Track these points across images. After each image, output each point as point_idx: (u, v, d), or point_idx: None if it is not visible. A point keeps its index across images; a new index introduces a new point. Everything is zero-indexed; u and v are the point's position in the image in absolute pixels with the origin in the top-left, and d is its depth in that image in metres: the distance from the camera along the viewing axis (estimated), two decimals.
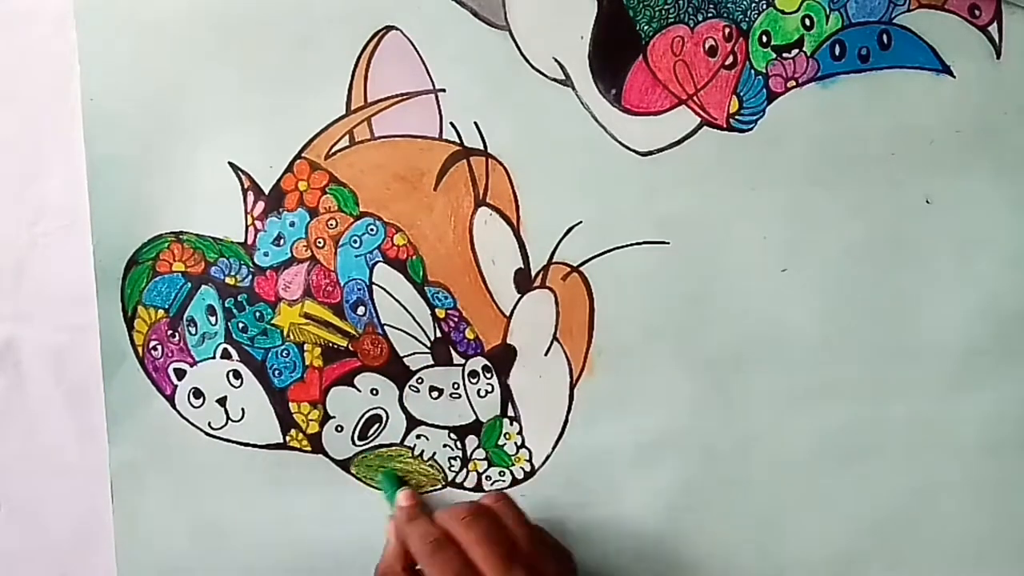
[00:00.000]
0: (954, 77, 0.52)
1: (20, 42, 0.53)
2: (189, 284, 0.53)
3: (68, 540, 0.55)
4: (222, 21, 0.52)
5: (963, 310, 0.52)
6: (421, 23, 0.51)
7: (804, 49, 0.51)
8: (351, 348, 0.53)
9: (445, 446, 0.54)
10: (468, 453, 0.54)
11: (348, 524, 0.54)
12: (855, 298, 0.52)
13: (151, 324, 0.53)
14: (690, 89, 0.52)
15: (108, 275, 0.53)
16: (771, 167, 0.52)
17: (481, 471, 0.54)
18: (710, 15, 0.51)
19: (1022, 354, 0.52)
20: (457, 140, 0.52)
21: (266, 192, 0.53)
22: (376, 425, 0.53)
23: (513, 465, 0.54)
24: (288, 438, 0.54)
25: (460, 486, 0.54)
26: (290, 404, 0.53)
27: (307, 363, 0.53)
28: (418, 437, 0.54)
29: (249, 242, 0.53)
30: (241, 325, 0.53)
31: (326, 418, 0.53)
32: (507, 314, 0.53)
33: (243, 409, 0.53)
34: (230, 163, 0.53)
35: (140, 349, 0.53)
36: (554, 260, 0.52)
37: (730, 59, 0.52)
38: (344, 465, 0.54)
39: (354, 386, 0.53)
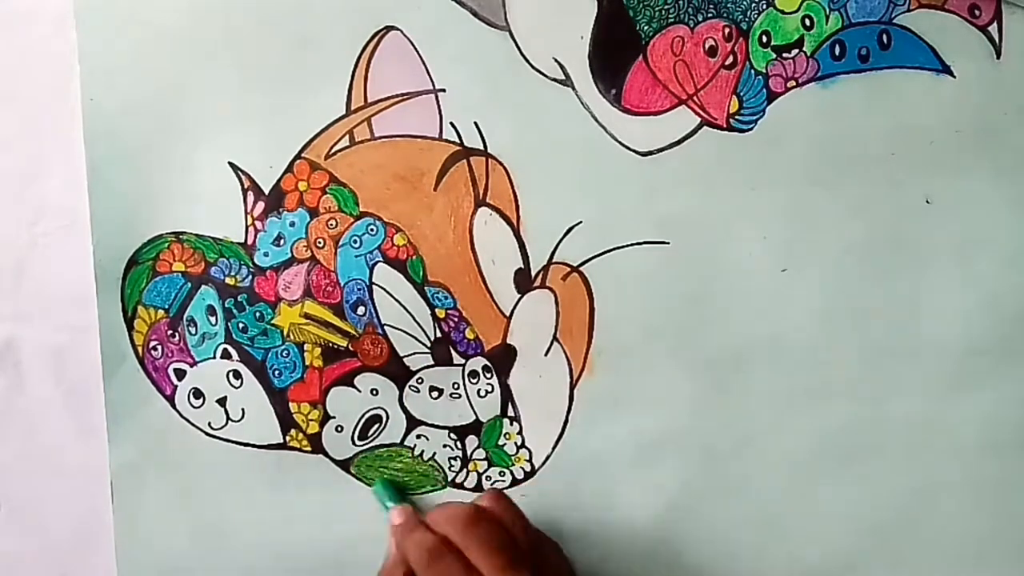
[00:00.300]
0: (954, 77, 0.52)
1: (20, 42, 0.53)
2: (189, 284, 0.53)
3: (68, 540, 0.55)
4: (222, 21, 0.52)
5: (963, 310, 0.52)
6: (421, 23, 0.51)
7: (804, 49, 0.51)
8: (351, 348, 0.53)
9: (445, 446, 0.54)
10: (468, 453, 0.54)
11: (348, 524, 0.54)
12: (855, 298, 0.52)
13: (151, 324, 0.53)
14: (690, 89, 0.52)
15: (108, 275, 0.53)
16: (771, 167, 0.52)
17: (481, 471, 0.54)
18: (710, 15, 0.51)
19: (1022, 354, 0.52)
20: (457, 140, 0.52)
21: (266, 192, 0.53)
22: (376, 425, 0.53)
23: (513, 465, 0.54)
24: (288, 438, 0.54)
25: (460, 486, 0.54)
26: (290, 404, 0.53)
27: (307, 363, 0.53)
28: (418, 437, 0.54)
29: (249, 242, 0.53)
30: (241, 325, 0.53)
31: (326, 418, 0.53)
32: (507, 314, 0.53)
33: (243, 409, 0.53)
34: (230, 163, 0.53)
35: (140, 349, 0.53)
36: (554, 260, 0.52)
37: (730, 59, 0.52)
38: (344, 465, 0.54)
39: (354, 386, 0.53)
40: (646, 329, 0.52)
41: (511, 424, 0.53)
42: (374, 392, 0.53)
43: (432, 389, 0.53)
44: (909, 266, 0.52)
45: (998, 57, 0.52)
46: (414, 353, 0.53)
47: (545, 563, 0.48)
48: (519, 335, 0.53)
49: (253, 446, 0.54)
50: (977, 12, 0.51)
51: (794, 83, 0.52)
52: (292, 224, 0.53)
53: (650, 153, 0.52)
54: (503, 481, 0.54)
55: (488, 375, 0.53)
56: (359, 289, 0.53)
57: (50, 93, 0.53)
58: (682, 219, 0.52)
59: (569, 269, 0.53)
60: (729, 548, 0.53)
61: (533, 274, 0.53)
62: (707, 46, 0.52)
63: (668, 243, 0.52)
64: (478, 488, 0.54)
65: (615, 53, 0.52)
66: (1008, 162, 0.52)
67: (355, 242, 0.53)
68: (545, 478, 0.53)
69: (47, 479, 0.55)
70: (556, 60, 0.52)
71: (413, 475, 0.54)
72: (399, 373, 0.53)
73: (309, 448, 0.54)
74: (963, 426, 0.53)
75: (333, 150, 0.52)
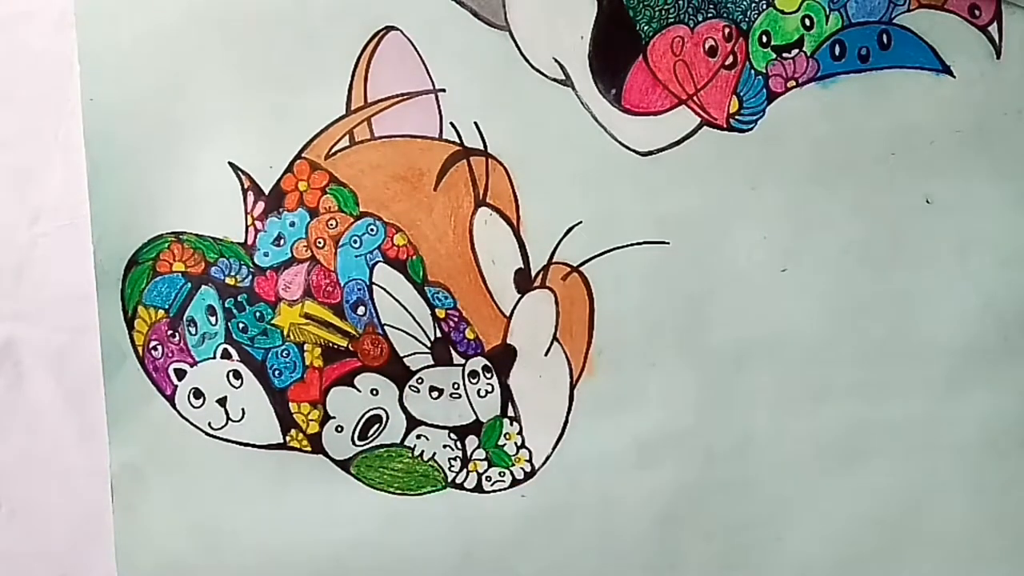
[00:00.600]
0: (954, 77, 0.52)
1: (20, 42, 0.53)
2: (189, 284, 0.53)
3: (68, 540, 0.55)
4: (222, 21, 0.52)
5: (963, 310, 0.52)
6: (421, 23, 0.51)
7: (804, 49, 0.52)
8: (351, 348, 0.53)
9: (445, 446, 0.54)
10: (468, 453, 0.54)
11: (348, 524, 0.54)
12: (855, 298, 0.52)
13: (151, 324, 0.53)
14: (690, 89, 0.52)
15: (108, 275, 0.53)
16: (771, 167, 0.52)
17: (481, 471, 0.54)
18: (710, 15, 0.51)
19: (1022, 354, 0.52)
20: (457, 140, 0.52)
21: (266, 192, 0.53)
22: (376, 425, 0.53)
23: (513, 465, 0.54)
24: (288, 438, 0.54)
25: (460, 486, 0.54)
26: (290, 404, 0.53)
27: (307, 363, 0.53)
28: (418, 437, 0.54)
29: (249, 242, 0.53)
30: (241, 325, 0.53)
31: (326, 418, 0.53)
32: (507, 314, 0.53)
33: (243, 409, 0.53)
34: (230, 163, 0.53)
35: (140, 349, 0.53)
36: (554, 260, 0.53)
37: (730, 59, 0.52)
38: (344, 465, 0.54)
39: (354, 386, 0.53)
40: (646, 329, 0.53)
41: (511, 424, 0.53)
42: (374, 392, 0.53)
43: (432, 389, 0.53)
44: (909, 266, 0.52)
45: (998, 57, 0.52)
46: (414, 353, 0.53)
47: None
48: (519, 335, 0.53)
49: (253, 446, 0.54)
50: (977, 12, 0.51)
51: (794, 83, 0.52)
52: (292, 224, 0.53)
53: (650, 153, 0.52)
54: (503, 481, 0.54)
55: (488, 375, 0.53)
56: (359, 289, 0.53)
57: (50, 93, 0.53)
58: (682, 219, 0.52)
59: (569, 269, 0.53)
60: (729, 548, 0.53)
61: (533, 274, 0.53)
62: (707, 46, 0.52)
63: (668, 243, 0.52)
64: (478, 488, 0.54)
65: (615, 53, 0.52)
66: (1008, 162, 0.52)
67: (355, 242, 0.53)
68: (545, 478, 0.53)
69: (47, 479, 0.55)
70: (556, 60, 0.52)
71: (413, 475, 0.54)
72: (399, 373, 0.53)
73: (309, 448, 0.54)
74: (963, 426, 0.53)
75: (333, 150, 0.52)
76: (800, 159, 0.52)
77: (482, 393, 0.53)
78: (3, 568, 0.55)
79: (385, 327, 0.53)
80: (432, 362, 0.53)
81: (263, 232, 0.53)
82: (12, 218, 0.54)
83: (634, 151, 0.52)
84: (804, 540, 0.53)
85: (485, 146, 0.52)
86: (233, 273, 0.53)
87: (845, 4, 0.51)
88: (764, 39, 0.52)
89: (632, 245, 0.52)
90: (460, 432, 0.53)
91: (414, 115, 0.52)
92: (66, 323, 0.54)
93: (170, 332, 0.53)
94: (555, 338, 0.53)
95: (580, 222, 0.52)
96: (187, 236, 0.53)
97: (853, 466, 0.53)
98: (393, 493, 0.54)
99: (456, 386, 0.53)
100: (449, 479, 0.54)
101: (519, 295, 0.53)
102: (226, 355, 0.53)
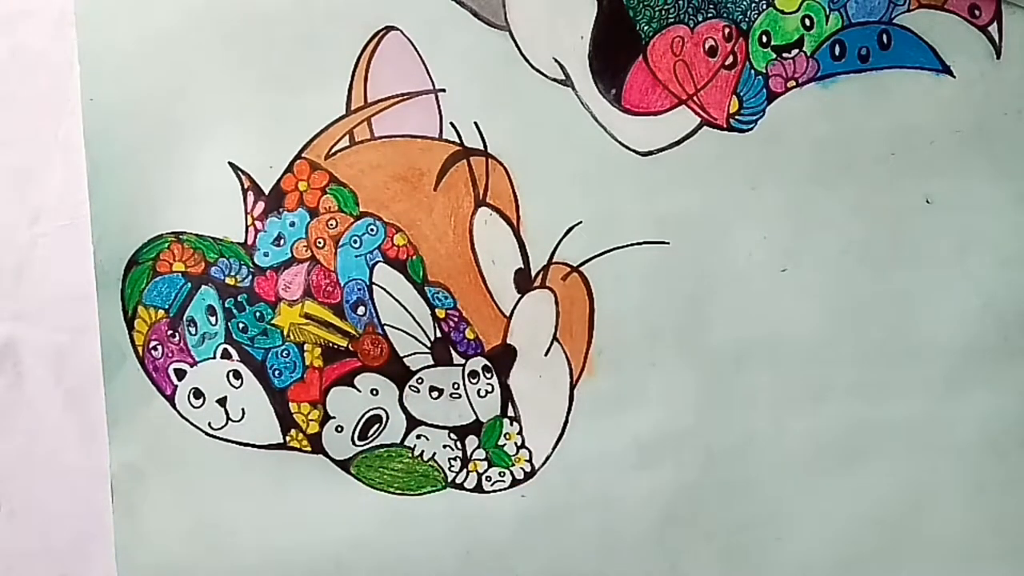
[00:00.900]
0: (954, 77, 0.52)
1: (20, 42, 0.53)
2: (189, 284, 0.53)
3: (68, 540, 0.55)
4: (222, 21, 0.52)
5: (963, 310, 0.52)
6: (421, 23, 0.51)
7: (804, 49, 0.52)
8: (351, 348, 0.53)
9: (445, 446, 0.54)
10: (468, 453, 0.54)
11: (348, 524, 0.54)
12: (855, 298, 0.52)
13: (151, 324, 0.53)
14: (690, 89, 0.52)
15: (108, 275, 0.53)
16: (771, 167, 0.52)
17: (481, 471, 0.54)
18: (710, 15, 0.51)
19: (1022, 354, 0.52)
20: (457, 140, 0.52)
21: (266, 192, 0.53)
22: (376, 425, 0.53)
23: (513, 465, 0.54)
24: (288, 438, 0.54)
25: (460, 486, 0.54)
26: (290, 404, 0.53)
27: (307, 363, 0.53)
28: (418, 437, 0.54)
29: (249, 242, 0.53)
30: (241, 325, 0.53)
31: (326, 418, 0.53)
32: (507, 314, 0.53)
33: (243, 409, 0.53)
34: (230, 163, 0.53)
35: (140, 349, 0.53)
36: (554, 260, 0.53)
37: (730, 59, 0.52)
38: (344, 465, 0.54)
39: (354, 386, 0.53)
40: (646, 329, 0.53)
41: (511, 424, 0.53)
42: (374, 392, 0.53)
43: (432, 389, 0.53)
44: (909, 266, 0.52)
45: (998, 57, 0.52)
46: (414, 353, 0.53)
47: None
48: (519, 335, 0.53)
49: (253, 446, 0.54)
50: (977, 12, 0.51)
51: (794, 83, 0.52)
52: (292, 224, 0.53)
53: (650, 153, 0.52)
54: (503, 481, 0.54)
55: (488, 375, 0.53)
56: (359, 289, 0.53)
57: (50, 93, 0.53)
58: (682, 219, 0.52)
59: (569, 269, 0.53)
60: (729, 548, 0.53)
61: (533, 274, 0.53)
62: (707, 46, 0.52)
63: (668, 243, 0.52)
64: (478, 488, 0.54)
65: (615, 53, 0.52)
66: (1008, 162, 0.52)
67: (355, 242, 0.53)
68: (545, 478, 0.53)
69: (47, 479, 0.55)
70: (556, 60, 0.52)
71: (413, 475, 0.54)
72: (399, 373, 0.53)
73: (309, 448, 0.54)
74: (963, 426, 0.53)
75: (333, 150, 0.52)
76: (800, 159, 0.52)
77: (482, 393, 0.53)
78: (3, 568, 0.55)
79: (385, 327, 0.53)
80: (432, 362, 0.53)
81: (263, 232, 0.53)
82: (12, 218, 0.54)
83: (634, 151, 0.52)
84: (804, 540, 0.53)
85: (485, 146, 0.52)
86: (233, 273, 0.53)
87: (845, 4, 0.51)
88: (764, 39, 0.52)
89: (632, 245, 0.52)
90: (460, 432, 0.53)
91: (414, 115, 0.52)
92: (66, 323, 0.54)
93: (170, 332, 0.53)
94: (555, 338, 0.53)
95: (580, 222, 0.52)
96: (187, 236, 0.53)
97: (853, 466, 0.53)
98: (393, 493, 0.54)
99: (456, 386, 0.53)
100: (449, 479, 0.54)
101: (519, 295, 0.53)
102: (226, 355, 0.53)
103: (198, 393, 0.53)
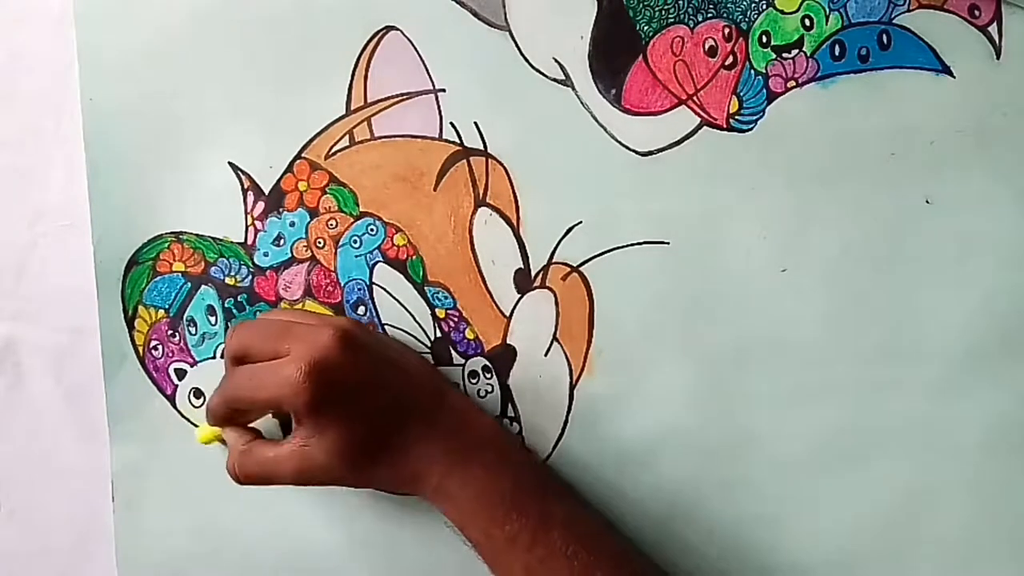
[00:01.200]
0: (954, 77, 0.52)
1: (20, 42, 0.53)
2: (189, 284, 0.53)
3: (68, 540, 0.55)
4: (222, 21, 0.52)
5: (963, 310, 0.52)
6: (421, 23, 0.51)
7: (804, 49, 0.51)
8: None
9: None
10: None
11: (348, 524, 0.54)
12: (855, 298, 0.52)
13: (151, 324, 0.53)
14: (690, 89, 0.52)
15: (108, 275, 0.53)
16: (771, 167, 0.52)
17: None
18: (710, 15, 0.51)
19: (1022, 354, 0.52)
20: (457, 140, 0.52)
21: (266, 192, 0.53)
22: None
23: None
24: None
25: None
26: None
27: None
28: None
29: (249, 242, 0.53)
30: None
31: None
32: (507, 314, 0.53)
33: None
34: (230, 163, 0.53)
35: (140, 349, 0.53)
36: (554, 260, 0.53)
37: (730, 59, 0.52)
38: None
39: None
40: (646, 329, 0.52)
41: (511, 424, 0.53)
42: None
43: None
44: (909, 266, 0.52)
45: (998, 57, 0.52)
46: None
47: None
48: (519, 335, 0.53)
49: None
50: (977, 12, 0.51)
51: (794, 83, 0.52)
52: (292, 224, 0.53)
53: (650, 153, 0.52)
54: None
55: (488, 375, 0.53)
56: (359, 289, 0.53)
57: (50, 93, 0.53)
58: (682, 219, 0.52)
59: (569, 269, 0.53)
60: (729, 548, 0.53)
61: (533, 274, 0.53)
62: (707, 46, 0.52)
63: (668, 243, 0.52)
64: None
65: (615, 53, 0.52)
66: (1008, 162, 0.52)
67: (355, 242, 0.53)
68: None
69: (47, 479, 0.55)
70: (556, 60, 0.52)
71: None
72: None
73: None
74: (963, 426, 0.53)
75: (333, 150, 0.52)
76: (800, 159, 0.52)
77: (482, 393, 0.53)
78: (3, 568, 0.55)
79: (385, 327, 0.53)
80: (432, 362, 0.53)
81: (263, 232, 0.53)
82: (12, 218, 0.54)
83: (634, 151, 0.52)
84: (804, 539, 0.53)
85: (485, 146, 0.52)
86: (233, 273, 0.53)
87: (845, 4, 0.51)
88: (764, 39, 0.51)
89: (632, 245, 0.52)
90: None
91: (414, 115, 0.52)
92: (66, 323, 0.54)
93: (170, 332, 0.53)
94: (555, 338, 0.53)
95: (580, 222, 0.52)
96: (187, 236, 0.53)
97: (853, 466, 0.53)
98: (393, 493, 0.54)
99: (456, 386, 0.53)
100: None
101: (519, 295, 0.53)
102: None
103: (198, 393, 0.53)
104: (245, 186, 0.53)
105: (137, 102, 0.52)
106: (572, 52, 0.52)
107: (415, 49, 0.52)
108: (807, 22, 0.51)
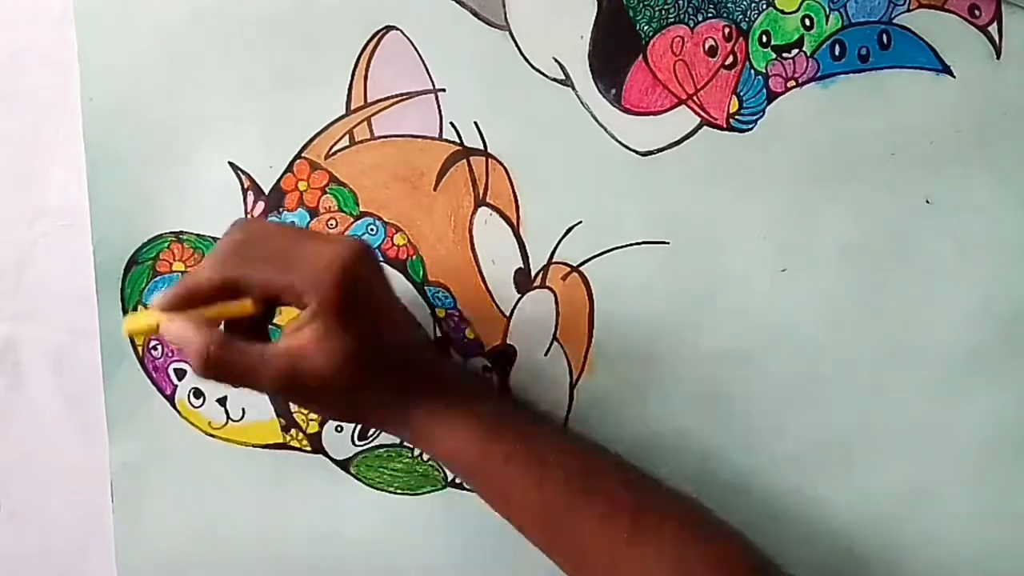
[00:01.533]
0: (954, 77, 0.52)
1: (20, 42, 0.53)
2: None
3: (68, 540, 0.55)
4: (222, 21, 0.52)
5: (963, 310, 0.52)
6: (421, 23, 0.51)
7: (804, 49, 0.51)
8: None
9: None
10: None
11: (348, 524, 0.54)
12: (855, 298, 0.52)
13: None
14: (690, 89, 0.52)
15: (108, 275, 0.53)
16: (771, 167, 0.52)
17: None
18: (710, 15, 0.51)
19: (1022, 354, 0.52)
20: (457, 140, 0.52)
21: (266, 192, 0.53)
22: None
23: None
24: (288, 438, 0.54)
25: (460, 486, 0.54)
26: (290, 404, 0.53)
27: None
28: None
29: None
30: None
31: (326, 418, 0.53)
32: (507, 314, 0.53)
33: (243, 409, 0.53)
34: (230, 163, 0.53)
35: (140, 349, 0.53)
36: (554, 260, 0.53)
37: (730, 59, 0.52)
38: (344, 465, 0.54)
39: None
40: (646, 329, 0.52)
41: None
42: None
43: None
44: (909, 266, 0.52)
45: (998, 57, 0.52)
46: None
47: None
48: (519, 335, 0.53)
49: (253, 446, 0.54)
50: (977, 12, 0.51)
51: (794, 83, 0.52)
52: (292, 224, 0.53)
53: (650, 153, 0.52)
54: None
55: (488, 375, 0.53)
56: None
57: (50, 93, 0.53)
58: (682, 219, 0.52)
59: (569, 269, 0.53)
60: None
61: (533, 274, 0.53)
62: (707, 46, 0.52)
63: (668, 243, 0.52)
64: None
65: (615, 53, 0.52)
66: (1008, 162, 0.52)
67: None
68: None
69: (47, 479, 0.55)
70: (556, 60, 0.52)
71: (413, 475, 0.54)
72: None
73: (309, 448, 0.54)
74: (963, 426, 0.53)
75: (333, 150, 0.52)
76: (800, 159, 0.52)
77: None
78: (3, 568, 0.55)
79: None
80: None
81: None
82: (12, 218, 0.54)
83: (634, 151, 0.52)
84: (804, 540, 0.53)
85: (485, 146, 0.52)
86: None
87: (845, 4, 0.51)
88: (764, 39, 0.51)
89: (632, 245, 0.52)
90: None
91: (414, 115, 0.52)
92: (66, 323, 0.54)
93: None
94: (555, 338, 0.53)
95: (580, 222, 0.52)
96: (187, 236, 0.53)
97: (853, 466, 0.53)
98: (393, 493, 0.54)
99: None
100: (449, 479, 0.54)
101: (519, 295, 0.53)
102: None
103: (198, 393, 0.53)
104: (245, 186, 0.53)
105: (137, 102, 0.52)
106: (572, 52, 0.52)
107: (415, 49, 0.52)
108: (807, 22, 0.51)
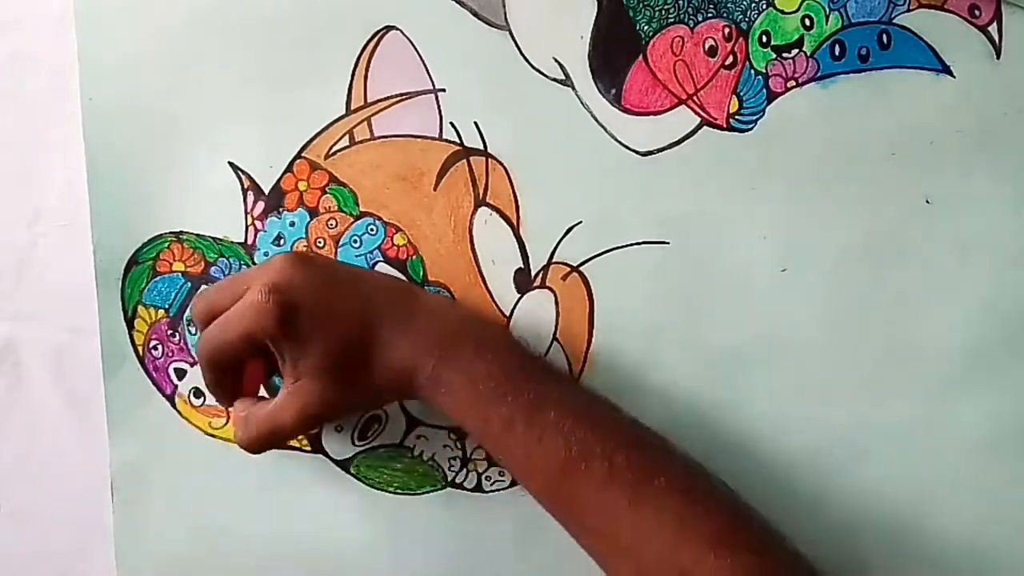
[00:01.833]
0: (954, 77, 0.51)
1: (20, 43, 0.53)
2: (189, 284, 0.53)
3: (68, 540, 0.55)
4: (222, 21, 0.52)
5: (963, 310, 0.52)
6: (421, 23, 0.51)
7: (804, 49, 0.51)
8: None
9: (445, 446, 0.54)
10: (468, 453, 0.54)
11: (348, 524, 0.54)
12: (855, 298, 0.52)
13: (151, 324, 0.53)
14: (690, 89, 0.52)
15: (108, 275, 0.53)
16: (771, 167, 0.52)
17: (481, 471, 0.54)
18: (710, 15, 0.51)
19: (1022, 354, 0.52)
20: (457, 140, 0.52)
21: (266, 192, 0.53)
22: (376, 425, 0.53)
23: None
24: None
25: (460, 486, 0.54)
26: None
27: None
28: (418, 437, 0.54)
29: (249, 242, 0.53)
30: None
31: None
32: (507, 314, 0.53)
33: None
34: (230, 163, 0.53)
35: (140, 349, 0.53)
36: (554, 260, 0.52)
37: (730, 59, 0.52)
38: (344, 465, 0.54)
39: None
40: (646, 329, 0.52)
41: None
42: None
43: None
44: (909, 266, 0.52)
45: (998, 57, 0.51)
46: None
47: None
48: (519, 335, 0.53)
49: None
50: (977, 12, 0.51)
51: (794, 83, 0.52)
52: (292, 224, 0.53)
53: (650, 153, 0.52)
54: (503, 481, 0.54)
55: None
56: None
57: (50, 93, 0.53)
58: (682, 219, 0.52)
59: (569, 269, 0.53)
60: None
61: (533, 274, 0.53)
62: (707, 46, 0.52)
63: (668, 243, 0.52)
64: (478, 488, 0.54)
65: (615, 53, 0.52)
66: (1008, 162, 0.52)
67: (355, 242, 0.53)
68: None
69: (47, 479, 0.55)
70: (556, 60, 0.52)
71: (413, 475, 0.54)
72: None
73: (309, 448, 0.54)
74: (964, 426, 0.53)
75: (333, 150, 0.52)
76: (800, 159, 0.52)
77: None
78: (3, 568, 0.55)
79: None
80: None
81: (263, 232, 0.53)
82: (12, 218, 0.54)
83: (634, 151, 0.52)
84: (804, 540, 0.53)
85: (485, 146, 0.52)
86: (233, 273, 0.53)
87: (845, 4, 0.51)
88: (764, 39, 0.51)
89: (632, 245, 0.52)
90: (460, 432, 0.53)
91: (414, 115, 0.52)
92: (66, 323, 0.54)
93: (170, 332, 0.53)
94: (555, 338, 0.53)
95: (580, 222, 0.52)
96: (187, 236, 0.53)
97: (853, 466, 0.53)
98: (393, 493, 0.54)
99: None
100: (449, 479, 0.54)
101: (519, 295, 0.53)
102: None
103: (198, 393, 0.53)
104: (245, 186, 0.53)
105: (137, 102, 0.52)
106: (572, 52, 0.52)
107: (415, 49, 0.52)
108: (807, 22, 0.51)
